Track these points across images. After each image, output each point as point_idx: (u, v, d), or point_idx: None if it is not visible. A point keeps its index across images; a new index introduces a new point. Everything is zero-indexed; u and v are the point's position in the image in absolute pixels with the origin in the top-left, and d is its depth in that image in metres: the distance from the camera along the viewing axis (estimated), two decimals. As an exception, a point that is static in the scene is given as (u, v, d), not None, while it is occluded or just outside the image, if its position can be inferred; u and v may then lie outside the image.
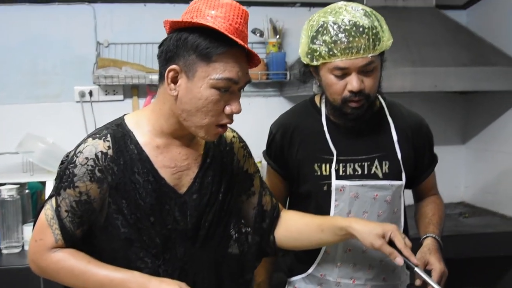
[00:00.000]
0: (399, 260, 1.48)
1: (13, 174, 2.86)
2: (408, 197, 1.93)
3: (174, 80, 1.35)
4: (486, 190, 3.41)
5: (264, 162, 1.95)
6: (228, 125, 1.54)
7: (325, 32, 1.63)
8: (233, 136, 1.62)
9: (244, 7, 1.37)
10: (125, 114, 1.50)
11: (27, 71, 3.09)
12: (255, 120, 2.77)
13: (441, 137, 3.54)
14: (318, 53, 1.64)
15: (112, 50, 3.14)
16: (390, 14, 2.92)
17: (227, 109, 1.36)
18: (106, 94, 3.15)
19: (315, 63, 1.67)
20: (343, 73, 1.65)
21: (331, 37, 1.62)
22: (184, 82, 1.34)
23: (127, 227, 1.39)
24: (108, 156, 1.38)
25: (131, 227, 1.39)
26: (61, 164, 1.44)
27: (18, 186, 2.57)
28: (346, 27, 1.61)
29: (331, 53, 1.62)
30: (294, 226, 1.64)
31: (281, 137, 1.86)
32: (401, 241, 1.49)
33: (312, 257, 1.81)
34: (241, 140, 1.64)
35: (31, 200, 2.77)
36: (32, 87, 3.09)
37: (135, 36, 3.14)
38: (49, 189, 2.68)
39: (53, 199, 1.39)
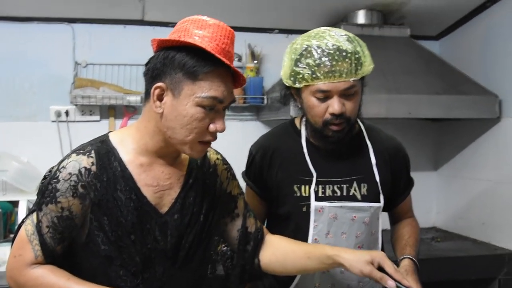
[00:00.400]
0: (391, 284, 1.46)
1: (-14, 193, 2.82)
2: (384, 222, 1.96)
3: (160, 98, 1.36)
4: (457, 216, 3.47)
5: (242, 184, 1.96)
6: (212, 148, 1.57)
7: (309, 55, 1.67)
8: (217, 158, 1.62)
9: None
10: (109, 131, 1.50)
11: (3, 89, 3.07)
12: (231, 144, 2.75)
13: (414, 164, 3.55)
14: (301, 75, 1.68)
15: (90, 71, 3.14)
16: (366, 43, 2.99)
17: (212, 127, 1.37)
18: (82, 114, 3.13)
19: (297, 85, 1.70)
20: (325, 96, 1.68)
21: (314, 60, 1.65)
22: (170, 99, 1.35)
23: (108, 244, 1.38)
24: (92, 172, 1.37)
25: (111, 245, 1.38)
26: (43, 179, 1.43)
27: (-10, 205, 2.53)
28: (330, 51, 1.65)
29: (314, 76, 1.66)
30: (280, 251, 1.64)
31: (261, 158, 1.87)
32: (391, 266, 1.49)
33: (291, 278, 1.82)
34: (225, 162, 1.65)
35: (2, 220, 2.72)
36: (8, 105, 3.07)
37: (113, 57, 3.15)
38: (21, 209, 2.66)
39: (34, 214, 1.37)
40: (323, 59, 1.65)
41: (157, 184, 1.44)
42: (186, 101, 1.34)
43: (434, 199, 3.70)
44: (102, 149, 1.41)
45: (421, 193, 3.57)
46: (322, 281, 1.80)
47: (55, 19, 3.10)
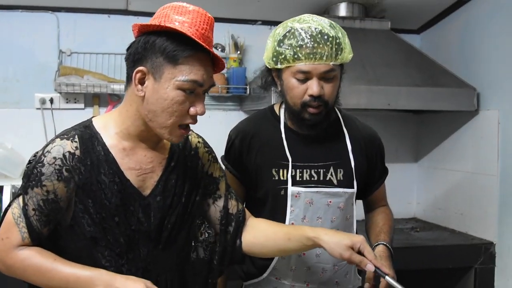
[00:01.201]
0: (370, 267, 1.49)
1: (-30, 178, 2.84)
2: (358, 212, 1.99)
3: (141, 82, 1.39)
4: (436, 206, 3.54)
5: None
6: (194, 131, 1.61)
7: (292, 36, 1.71)
8: (198, 142, 1.66)
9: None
10: (93, 117, 1.53)
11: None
12: (214, 133, 2.77)
13: (395, 155, 3.67)
14: (283, 56, 1.72)
15: (74, 59, 3.17)
16: (348, 35, 3.06)
17: (192, 110, 1.41)
18: (67, 102, 3.16)
19: (279, 66, 1.75)
20: (305, 77, 1.73)
21: (297, 41, 1.70)
22: (151, 83, 1.38)
23: (93, 226, 1.41)
24: (76, 156, 1.40)
25: (96, 226, 1.42)
26: (28, 163, 1.45)
27: (-26, 190, 2.55)
28: (312, 34, 1.69)
29: (295, 56, 1.70)
30: (261, 233, 1.67)
31: (240, 142, 1.91)
32: (371, 253, 1.52)
33: (268, 261, 1.87)
34: (206, 145, 1.68)
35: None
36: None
37: (98, 46, 3.17)
38: (6, 195, 2.67)
39: (21, 198, 1.40)
40: (306, 40, 1.69)
41: (139, 167, 1.48)
42: (167, 84, 1.37)
43: (414, 190, 3.77)
44: (86, 134, 1.45)
45: (402, 184, 3.68)
46: (298, 265, 1.84)
47: (40, 8, 3.11)
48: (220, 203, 1.66)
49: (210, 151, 1.69)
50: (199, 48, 1.37)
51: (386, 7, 3.26)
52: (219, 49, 3.26)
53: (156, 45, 1.37)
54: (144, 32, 1.41)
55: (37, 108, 3.12)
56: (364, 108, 2.83)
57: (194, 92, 1.40)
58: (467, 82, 3.07)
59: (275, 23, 3.31)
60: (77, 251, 1.43)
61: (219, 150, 1.99)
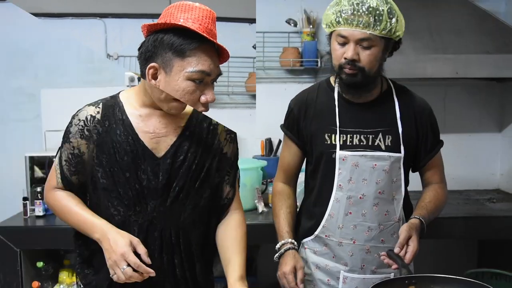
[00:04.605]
0: None
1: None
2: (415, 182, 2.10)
3: (154, 77, 1.56)
4: (520, 177, 3.42)
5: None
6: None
7: (338, 3, 1.87)
8: (219, 123, 1.79)
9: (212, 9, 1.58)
10: (121, 91, 1.75)
11: (84, 59, 3.44)
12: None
13: (477, 125, 3.57)
14: (330, 20, 1.88)
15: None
16: (417, 2, 3.04)
17: (203, 98, 1.57)
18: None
19: (327, 29, 1.92)
20: (344, 41, 1.87)
21: (340, 7, 1.85)
22: (163, 77, 1.55)
23: (106, 178, 1.64)
24: (96, 119, 1.65)
25: (108, 179, 1.64)
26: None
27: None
28: (354, 1, 1.83)
29: (337, 20, 1.85)
30: (223, 236, 1.80)
31: (298, 111, 2.09)
32: None
33: (318, 221, 2.03)
34: (226, 128, 1.81)
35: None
36: (89, 73, 3.43)
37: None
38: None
39: (59, 151, 1.71)
40: (347, 7, 1.84)
41: (153, 131, 1.66)
42: (177, 76, 1.54)
43: (498, 160, 3.65)
44: (110, 102, 1.69)
45: (485, 155, 3.60)
46: (345, 223, 1.98)
47: (88, 15, 3.37)
48: (227, 181, 1.81)
49: (229, 132, 1.82)
50: (204, 40, 1.52)
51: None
52: (292, 24, 3.38)
53: (164, 42, 1.52)
54: (153, 31, 1.57)
55: (127, 86, 3.30)
56: (430, 77, 2.83)
57: (203, 82, 1.56)
58: (547, 47, 2.94)
59: (349, -4, 3.41)
60: (95, 199, 1.69)
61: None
